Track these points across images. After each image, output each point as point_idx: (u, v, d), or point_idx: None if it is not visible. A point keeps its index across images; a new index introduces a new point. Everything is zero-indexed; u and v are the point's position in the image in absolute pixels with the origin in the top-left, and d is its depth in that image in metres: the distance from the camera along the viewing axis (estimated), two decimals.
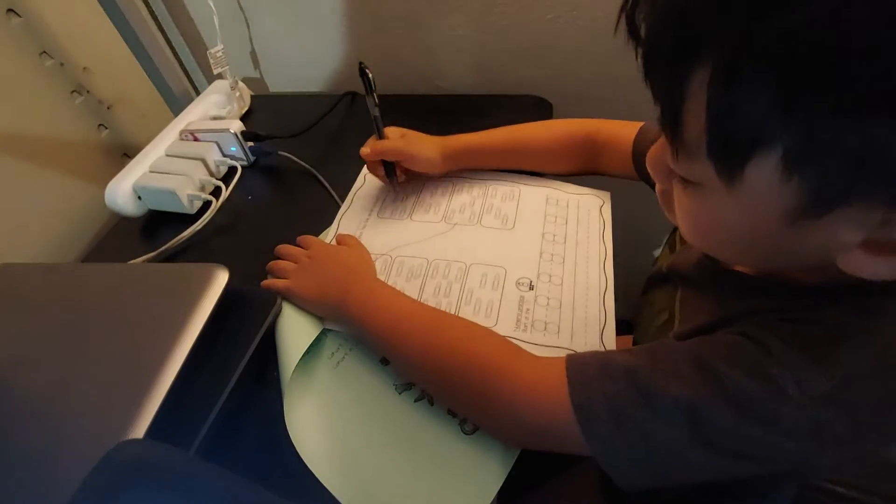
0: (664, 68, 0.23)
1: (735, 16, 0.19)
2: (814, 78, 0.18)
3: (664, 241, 0.50)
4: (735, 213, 0.24)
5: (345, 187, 0.57)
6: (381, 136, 0.51)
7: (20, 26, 0.57)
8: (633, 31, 0.25)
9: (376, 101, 0.49)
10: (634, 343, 0.44)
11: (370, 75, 0.47)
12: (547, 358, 0.34)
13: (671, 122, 0.23)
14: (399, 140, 0.51)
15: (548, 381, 0.31)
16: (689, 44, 0.21)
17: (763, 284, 0.30)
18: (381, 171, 0.53)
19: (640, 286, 0.50)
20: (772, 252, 0.26)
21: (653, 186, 0.47)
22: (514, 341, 0.41)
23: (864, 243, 0.22)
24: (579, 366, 0.31)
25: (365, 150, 0.50)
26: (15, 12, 0.57)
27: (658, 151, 0.29)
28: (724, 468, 0.27)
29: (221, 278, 0.41)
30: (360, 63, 0.47)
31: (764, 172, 0.21)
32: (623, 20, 0.25)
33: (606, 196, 0.53)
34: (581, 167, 0.54)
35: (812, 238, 0.23)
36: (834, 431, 0.24)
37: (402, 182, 0.54)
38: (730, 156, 0.22)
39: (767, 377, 0.24)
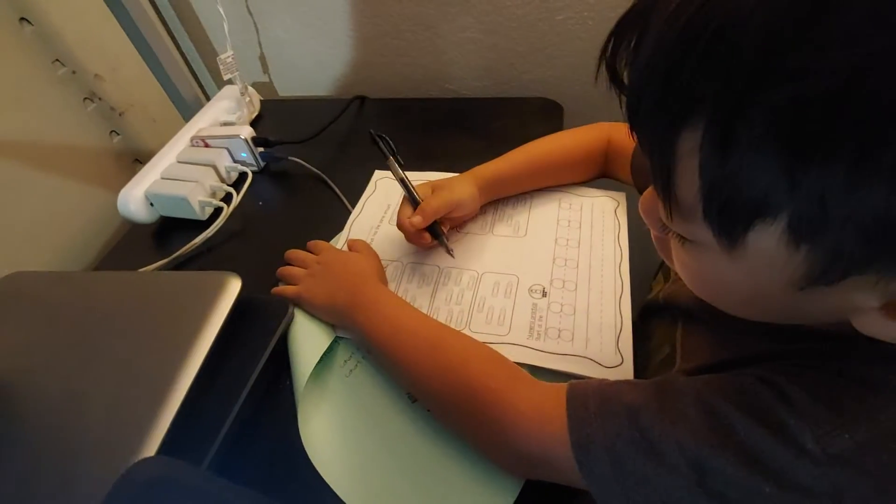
0: (650, 125, 0.21)
1: (733, 77, 0.17)
2: (825, 145, 0.16)
3: (658, 266, 0.49)
4: (738, 276, 0.22)
5: (354, 192, 0.57)
6: (414, 200, 0.46)
7: (33, 35, 0.58)
8: (615, 80, 0.23)
9: (401, 162, 0.45)
10: (638, 372, 0.41)
11: (388, 140, 0.44)
12: (547, 385, 0.32)
13: (662, 181, 0.21)
14: (443, 193, 0.45)
15: (546, 412, 0.30)
16: (678, 103, 0.19)
17: (776, 327, 0.27)
18: (428, 238, 0.46)
19: (650, 287, 0.50)
20: (780, 312, 0.24)
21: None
22: (527, 350, 0.40)
23: (883, 307, 0.20)
24: (580, 398, 0.29)
25: (416, 220, 0.44)
26: (28, 21, 0.57)
27: (651, 201, 0.27)
28: None
29: (234, 286, 0.41)
30: (371, 132, 0.43)
31: (768, 240, 0.19)
32: (604, 68, 0.23)
33: (622, 197, 0.52)
34: (598, 174, 0.54)
35: (825, 302, 0.21)
36: (856, 496, 0.21)
37: (452, 253, 0.47)
38: (728, 222, 0.20)
39: (783, 427, 0.22)
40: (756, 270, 0.21)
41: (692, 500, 0.24)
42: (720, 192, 0.19)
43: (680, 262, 0.26)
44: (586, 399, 0.29)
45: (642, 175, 0.45)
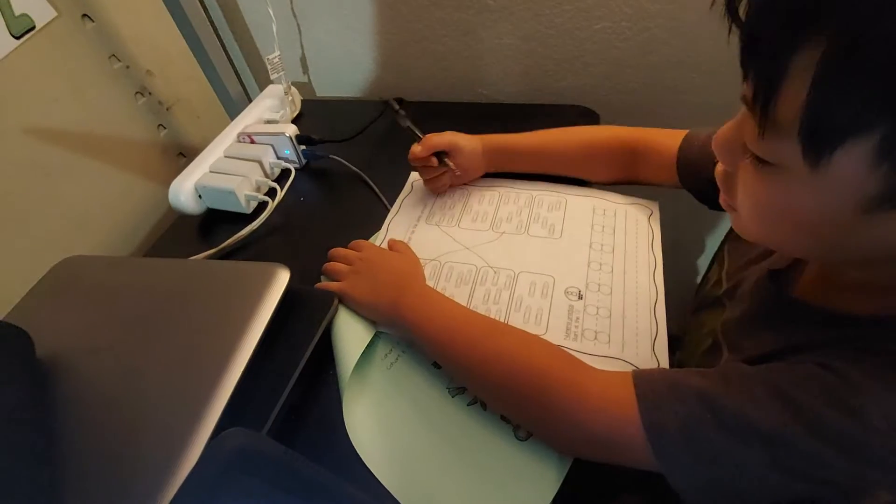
0: (767, 45, 0.23)
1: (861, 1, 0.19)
2: None
3: (712, 256, 0.50)
4: (809, 198, 0.24)
5: (392, 191, 0.59)
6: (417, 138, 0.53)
7: (93, 31, 0.61)
8: (731, 9, 0.24)
9: (409, 126, 0.55)
10: (679, 364, 0.44)
11: (396, 111, 0.56)
12: (608, 371, 0.34)
13: (764, 101, 0.23)
14: (445, 133, 0.53)
15: (615, 395, 0.31)
16: (802, 22, 0.21)
17: (829, 316, 0.30)
18: (435, 162, 0.53)
19: (681, 299, 0.50)
20: (834, 242, 0.26)
21: (696, 195, 0.48)
22: (565, 350, 0.41)
23: None
24: (648, 383, 0.31)
25: (416, 149, 0.52)
26: (89, 17, 0.60)
27: (730, 132, 0.28)
28: (800, 491, 0.27)
29: (283, 277, 0.43)
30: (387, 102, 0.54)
31: (853, 158, 0.21)
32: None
33: (655, 205, 0.53)
34: (618, 176, 0.54)
35: (881, 230, 0.23)
36: None
37: (456, 171, 0.54)
38: (822, 139, 0.21)
39: (851, 408, 0.24)
40: (831, 191, 0.23)
41: (764, 474, 0.26)
42: (823, 107, 0.21)
43: (748, 190, 0.28)
44: (654, 384, 0.31)
45: (691, 165, 0.47)
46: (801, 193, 0.24)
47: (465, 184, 0.58)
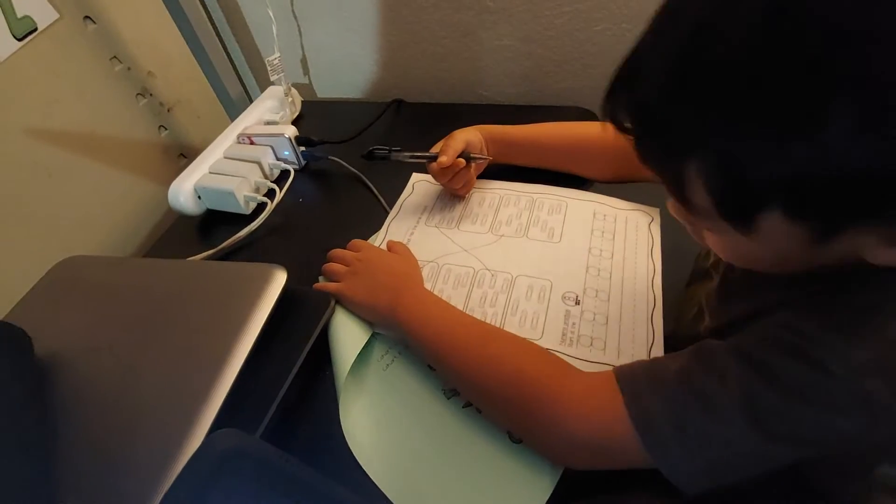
0: (658, 159, 0.26)
1: (719, 119, 0.23)
2: (797, 152, 0.21)
3: None
4: (761, 248, 0.27)
5: (390, 192, 0.59)
6: (432, 157, 0.51)
7: (95, 32, 0.61)
8: (617, 125, 0.27)
9: (399, 149, 0.54)
10: (672, 334, 0.44)
11: (381, 148, 0.54)
12: (594, 373, 0.34)
13: (679, 197, 0.26)
14: (452, 139, 0.51)
15: (599, 395, 0.31)
16: (679, 140, 0.24)
17: (790, 278, 0.31)
18: (464, 163, 0.51)
19: (680, 303, 0.50)
20: (804, 264, 0.28)
21: None
22: (559, 355, 0.41)
23: (883, 241, 0.24)
24: (630, 377, 0.31)
25: (442, 160, 0.49)
26: (91, 19, 0.61)
27: (676, 206, 0.31)
28: (785, 456, 0.27)
29: (280, 278, 0.43)
30: (371, 150, 0.54)
31: (774, 221, 0.24)
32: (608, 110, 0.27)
33: (656, 212, 0.53)
34: (615, 171, 0.54)
35: (836, 248, 0.25)
36: (883, 401, 0.25)
37: (490, 158, 0.54)
38: (740, 217, 0.25)
39: (809, 358, 0.26)
40: (773, 242, 0.26)
41: (751, 444, 0.27)
42: (727, 200, 0.24)
43: (712, 242, 0.31)
44: (635, 376, 0.31)
45: None
46: (753, 247, 0.27)
47: None
